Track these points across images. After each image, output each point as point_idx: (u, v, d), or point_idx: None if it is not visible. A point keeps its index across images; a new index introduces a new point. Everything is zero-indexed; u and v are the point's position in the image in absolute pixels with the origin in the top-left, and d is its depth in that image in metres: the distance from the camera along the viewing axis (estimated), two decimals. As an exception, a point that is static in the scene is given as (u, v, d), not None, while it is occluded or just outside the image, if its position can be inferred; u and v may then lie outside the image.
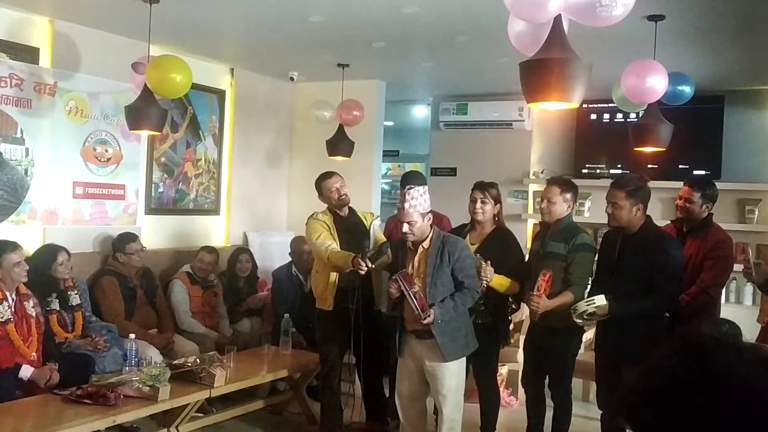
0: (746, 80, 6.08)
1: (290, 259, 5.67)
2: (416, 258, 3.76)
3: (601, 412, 3.99)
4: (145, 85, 4.40)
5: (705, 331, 0.95)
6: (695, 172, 6.22)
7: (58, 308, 4.41)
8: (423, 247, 3.75)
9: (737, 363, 0.87)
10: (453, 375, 3.75)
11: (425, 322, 3.58)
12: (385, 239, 4.29)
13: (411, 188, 3.76)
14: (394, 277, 3.69)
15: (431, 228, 3.78)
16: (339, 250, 4.20)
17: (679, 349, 0.92)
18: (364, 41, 5.17)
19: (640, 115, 5.00)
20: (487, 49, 5.10)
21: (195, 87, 5.22)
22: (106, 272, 4.96)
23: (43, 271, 4.42)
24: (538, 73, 2.70)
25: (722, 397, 0.84)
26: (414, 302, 3.57)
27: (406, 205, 3.68)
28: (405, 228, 3.71)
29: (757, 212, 6.24)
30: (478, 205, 4.09)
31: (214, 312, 5.47)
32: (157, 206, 5.87)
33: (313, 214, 4.42)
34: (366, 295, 4.18)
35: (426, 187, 3.87)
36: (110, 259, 5.07)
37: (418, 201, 3.69)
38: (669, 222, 4.43)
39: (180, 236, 6.02)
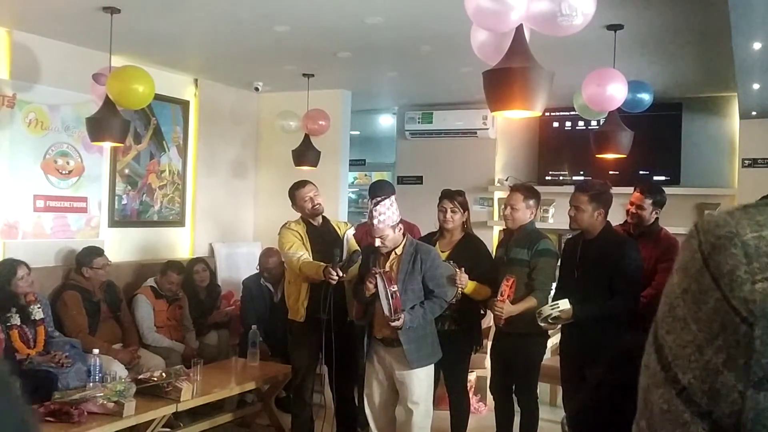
0: (703, 88, 6.23)
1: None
2: (388, 264, 3.76)
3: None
4: (107, 96, 4.35)
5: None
6: (655, 178, 6.34)
7: (19, 323, 4.31)
8: (396, 253, 3.77)
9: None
10: (422, 382, 3.77)
11: (394, 324, 3.58)
12: (358, 248, 4.29)
13: (377, 203, 3.74)
14: (374, 272, 3.66)
15: (404, 236, 3.80)
16: (311, 260, 4.18)
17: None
18: (328, 51, 5.18)
19: (601, 123, 5.09)
20: (451, 58, 5.15)
21: (158, 98, 5.18)
22: (69, 287, 4.87)
23: (2, 286, 4.33)
24: (501, 82, 2.75)
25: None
26: (389, 302, 3.55)
27: (375, 221, 3.67)
28: (377, 242, 3.72)
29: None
30: (449, 214, 4.11)
31: (180, 325, 5.40)
32: (121, 219, 5.79)
33: (285, 224, 4.37)
34: (338, 305, 4.17)
35: (393, 198, 3.86)
36: (73, 273, 4.98)
37: (387, 215, 3.68)
38: (617, 225, 4.53)
39: (144, 249, 5.94)
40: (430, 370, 3.82)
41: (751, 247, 0.60)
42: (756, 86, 4.91)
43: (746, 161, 6.33)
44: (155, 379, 4.03)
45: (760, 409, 0.58)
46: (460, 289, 3.89)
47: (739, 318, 0.59)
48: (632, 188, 6.21)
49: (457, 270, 3.88)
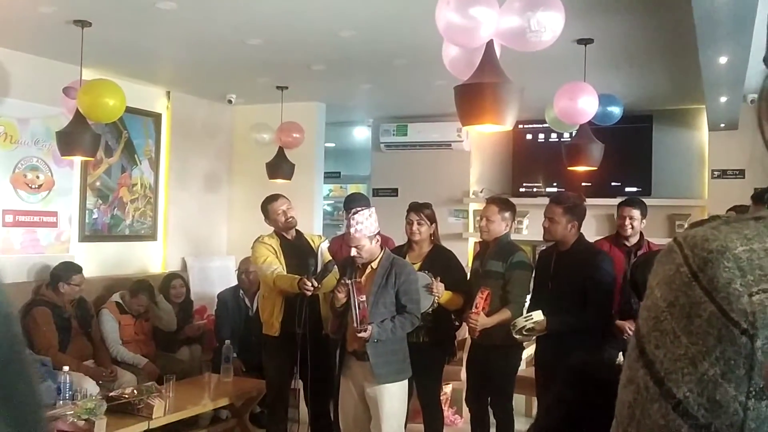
0: (673, 100, 6.33)
1: (236, 282, 5.60)
2: (363, 277, 3.75)
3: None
4: (77, 109, 4.30)
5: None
6: (627, 190, 6.42)
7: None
8: (372, 267, 3.76)
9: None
10: (393, 398, 3.71)
11: (360, 335, 3.57)
12: (332, 259, 4.28)
13: (356, 212, 3.76)
14: (345, 282, 3.66)
15: (382, 249, 3.80)
16: (285, 273, 4.16)
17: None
18: (302, 64, 5.18)
19: (573, 135, 5.15)
20: (424, 71, 5.17)
21: (130, 110, 5.13)
22: (39, 303, 4.79)
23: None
24: (472, 97, 2.77)
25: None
26: (356, 311, 3.56)
27: (352, 230, 3.67)
28: (353, 252, 3.71)
29: (686, 227, 6.48)
30: (415, 227, 4.15)
31: (149, 339, 5.33)
32: (92, 233, 5.71)
33: (259, 238, 4.35)
34: (313, 319, 4.15)
35: (373, 209, 3.87)
36: (43, 289, 4.89)
37: (364, 225, 3.68)
38: (605, 238, 4.60)
39: (116, 263, 5.86)
40: (402, 386, 3.77)
41: (744, 260, 0.60)
42: (723, 99, 5.01)
43: (716, 172, 6.44)
44: (127, 396, 3.96)
45: (763, 418, 0.58)
46: (436, 298, 3.90)
47: (738, 330, 0.59)
48: (604, 199, 6.30)
49: (433, 279, 3.90)
